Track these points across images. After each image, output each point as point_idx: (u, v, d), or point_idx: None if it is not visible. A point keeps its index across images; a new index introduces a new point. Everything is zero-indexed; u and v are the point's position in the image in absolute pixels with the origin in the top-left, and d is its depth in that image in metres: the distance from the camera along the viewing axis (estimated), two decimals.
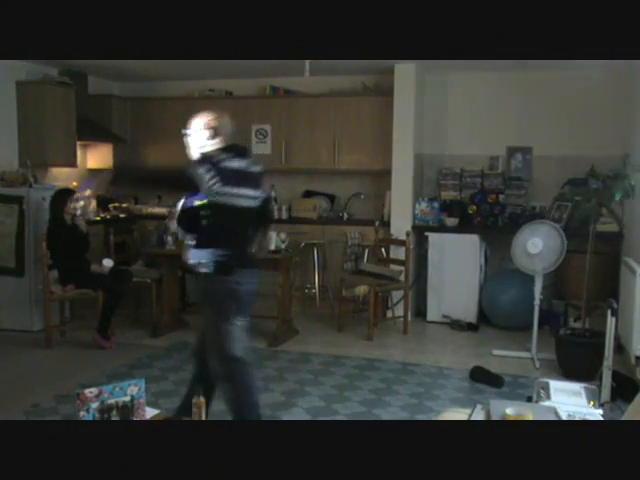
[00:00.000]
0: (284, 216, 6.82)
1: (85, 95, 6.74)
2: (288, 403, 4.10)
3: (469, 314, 6.07)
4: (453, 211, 6.33)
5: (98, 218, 6.54)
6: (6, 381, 4.45)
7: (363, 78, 6.72)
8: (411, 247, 5.85)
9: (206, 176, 3.00)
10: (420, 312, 6.41)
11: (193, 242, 3.13)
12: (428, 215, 6.32)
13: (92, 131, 6.84)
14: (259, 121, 6.93)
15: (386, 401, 4.14)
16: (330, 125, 6.70)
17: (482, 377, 4.51)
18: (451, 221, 6.25)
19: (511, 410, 2.33)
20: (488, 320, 6.09)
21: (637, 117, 5.43)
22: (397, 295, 6.17)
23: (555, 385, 2.75)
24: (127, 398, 2.31)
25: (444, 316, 6.14)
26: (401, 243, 5.96)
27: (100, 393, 2.24)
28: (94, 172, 7.19)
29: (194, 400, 2.37)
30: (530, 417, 2.29)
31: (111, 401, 2.26)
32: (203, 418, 2.37)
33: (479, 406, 2.59)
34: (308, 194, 7.04)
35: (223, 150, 3.16)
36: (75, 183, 6.49)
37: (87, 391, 2.22)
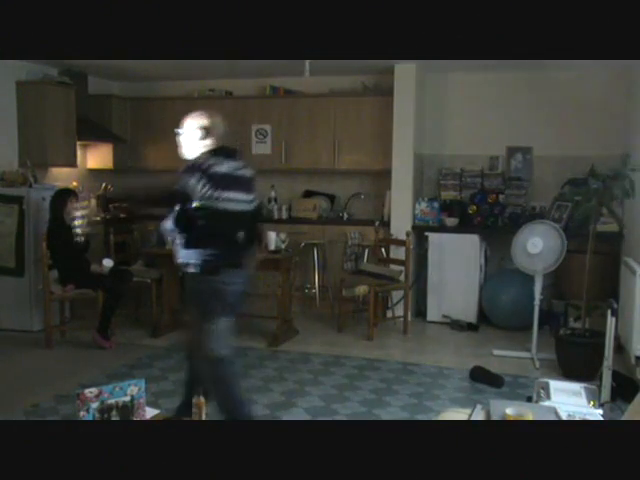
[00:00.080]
0: (284, 216, 6.82)
1: (85, 95, 6.74)
2: (288, 403, 4.10)
3: (469, 314, 6.07)
4: (453, 211, 6.33)
5: (98, 218, 6.54)
6: (6, 381, 4.45)
7: (363, 78, 6.72)
8: (411, 247, 5.85)
9: (198, 186, 2.99)
10: (420, 312, 6.41)
11: (182, 242, 3.14)
12: (428, 215, 6.32)
13: (92, 131, 6.84)
14: (259, 121, 6.93)
15: (386, 401, 4.14)
16: (330, 125, 6.70)
17: (482, 377, 4.51)
18: (451, 221, 6.25)
19: (511, 410, 2.33)
20: (488, 320, 6.09)
21: (637, 117, 5.43)
22: (397, 295, 6.17)
23: (555, 385, 2.75)
24: (127, 398, 2.31)
25: (444, 316, 6.14)
26: (401, 243, 5.96)
27: (100, 393, 2.24)
28: (94, 172, 7.20)
29: (194, 400, 2.37)
30: (530, 417, 2.29)
31: (111, 401, 2.27)
32: (203, 418, 2.37)
33: (479, 406, 2.59)
34: (308, 194, 7.03)
35: (213, 152, 3.15)
36: (75, 183, 6.49)
37: (87, 391, 2.23)
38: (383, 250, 6.28)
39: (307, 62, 4.95)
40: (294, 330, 5.78)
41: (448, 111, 6.59)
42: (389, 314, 6.26)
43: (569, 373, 4.55)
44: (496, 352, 5.16)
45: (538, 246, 4.96)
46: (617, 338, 4.43)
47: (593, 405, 2.60)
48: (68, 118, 6.26)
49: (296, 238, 6.21)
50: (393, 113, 6.25)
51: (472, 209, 6.26)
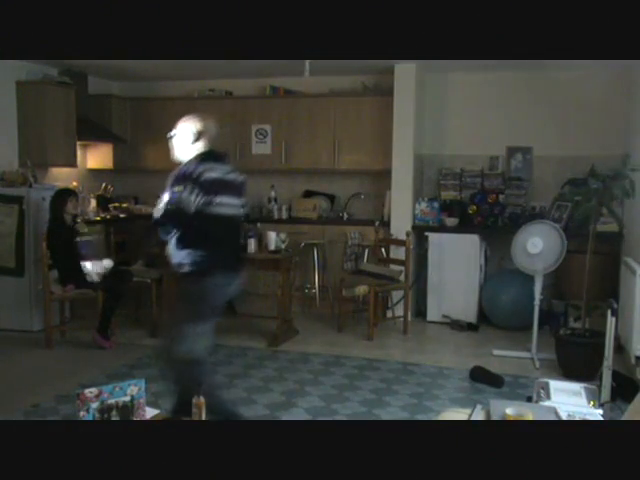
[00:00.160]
0: (284, 216, 6.82)
1: (85, 95, 6.74)
2: (288, 403, 4.10)
3: (469, 314, 6.07)
4: (453, 211, 6.33)
5: (98, 218, 6.54)
6: (6, 381, 4.45)
7: (363, 78, 6.72)
8: (411, 247, 5.85)
9: (191, 197, 3.00)
10: (420, 312, 6.41)
11: (176, 243, 3.15)
12: (428, 215, 6.32)
13: (92, 131, 6.84)
14: (259, 121, 6.93)
15: (386, 401, 4.14)
16: (330, 125, 6.70)
17: (482, 377, 4.51)
18: (451, 221, 6.25)
19: (511, 410, 2.33)
20: (488, 320, 6.09)
21: (637, 117, 5.43)
22: (397, 295, 6.17)
23: (555, 385, 2.75)
24: (127, 398, 2.31)
25: (444, 316, 6.14)
26: (401, 243, 5.96)
27: (100, 393, 2.24)
28: (94, 172, 7.20)
29: (194, 400, 2.37)
30: (530, 417, 2.29)
31: (111, 401, 2.27)
32: (203, 418, 2.37)
33: (479, 406, 2.59)
34: (308, 194, 7.03)
35: (203, 156, 3.16)
36: (75, 183, 6.49)
37: (87, 391, 2.23)
38: (383, 250, 6.28)
39: (307, 62, 4.95)
40: (294, 330, 5.78)
41: (448, 111, 6.58)
42: (389, 314, 6.26)
43: (569, 373, 4.55)
44: (496, 352, 5.16)
45: (538, 246, 4.96)
46: (617, 338, 4.43)
47: (593, 405, 2.60)
48: (68, 118, 6.26)
49: (296, 238, 6.21)
50: (393, 113, 6.25)
51: (472, 209, 6.26)
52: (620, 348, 4.76)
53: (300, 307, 6.48)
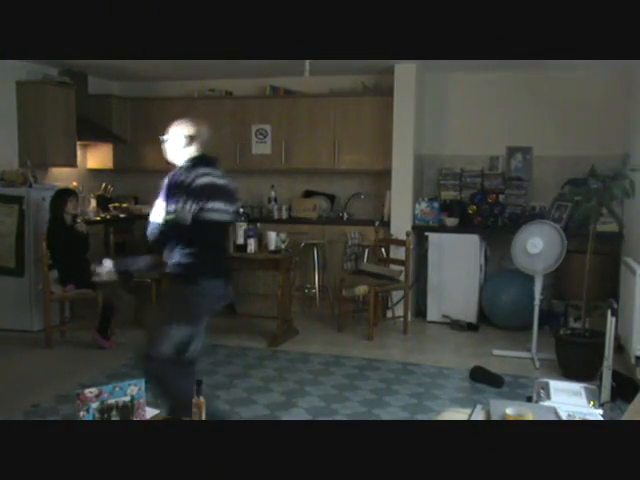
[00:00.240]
0: (284, 216, 6.82)
1: (85, 95, 6.74)
2: (288, 403, 4.10)
3: (469, 314, 6.07)
4: (453, 211, 6.33)
5: (98, 218, 6.54)
6: (6, 381, 4.45)
7: (363, 78, 6.72)
8: (411, 247, 5.85)
9: (187, 206, 3.01)
10: (420, 312, 6.41)
11: (167, 246, 3.16)
12: (428, 215, 6.32)
13: (92, 131, 6.84)
14: (259, 121, 6.93)
15: (386, 401, 4.14)
16: (330, 125, 6.70)
17: (482, 377, 4.51)
18: (451, 221, 6.25)
19: (511, 410, 2.33)
20: (488, 320, 6.09)
21: (637, 117, 5.43)
22: (397, 295, 6.17)
23: (555, 385, 2.75)
24: (127, 398, 2.31)
25: (444, 316, 6.14)
26: (401, 243, 5.96)
27: (100, 393, 2.24)
28: (94, 172, 7.20)
29: (194, 400, 2.37)
30: (530, 417, 2.29)
31: (111, 401, 2.26)
32: (203, 418, 2.37)
33: (479, 406, 2.59)
34: (308, 194, 7.04)
35: (195, 161, 3.16)
36: (75, 183, 6.49)
37: (87, 391, 2.22)
38: (383, 250, 6.28)
39: (307, 62, 4.95)
40: (294, 330, 5.78)
41: (448, 111, 6.58)
42: (389, 314, 6.26)
43: (569, 373, 4.55)
44: (496, 352, 5.16)
45: (538, 246, 4.96)
46: (617, 338, 4.43)
47: (593, 405, 2.60)
48: (68, 118, 6.26)
49: (296, 238, 6.21)
50: (393, 113, 6.25)
51: (472, 209, 6.26)
52: (620, 348, 4.76)
53: (300, 307, 6.48)
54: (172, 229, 3.04)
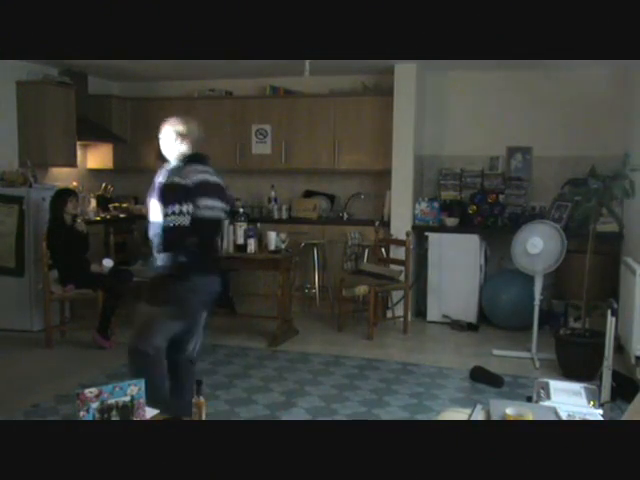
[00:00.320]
0: (284, 216, 6.82)
1: (85, 95, 6.74)
2: (288, 403, 4.10)
3: (469, 314, 6.07)
4: (453, 211, 6.33)
5: (98, 218, 6.54)
6: (6, 381, 4.45)
7: (363, 78, 6.72)
8: (411, 247, 5.85)
9: (183, 207, 3.01)
10: (420, 312, 6.41)
11: (159, 245, 3.16)
12: (428, 215, 6.32)
13: (92, 131, 6.84)
14: (259, 121, 6.93)
15: (386, 401, 4.14)
16: (330, 125, 6.70)
17: (482, 377, 4.51)
18: (451, 221, 6.25)
19: (511, 410, 2.33)
20: (488, 320, 6.09)
21: (637, 117, 5.43)
22: (397, 295, 6.17)
23: (555, 385, 2.75)
24: (127, 398, 2.31)
25: (444, 316, 6.14)
26: (401, 243, 5.96)
27: (100, 393, 2.24)
28: (94, 172, 7.20)
29: (194, 400, 2.37)
30: (530, 417, 2.29)
31: (111, 401, 2.26)
32: (203, 418, 2.37)
33: (479, 406, 2.59)
34: (308, 194, 7.04)
35: (187, 159, 3.16)
36: (75, 183, 6.49)
37: (87, 391, 2.22)
38: (383, 250, 6.28)
39: (307, 62, 4.94)
40: (294, 330, 5.78)
41: (448, 111, 6.58)
42: (389, 314, 6.26)
43: (569, 373, 4.55)
44: (496, 352, 5.16)
45: (538, 246, 4.96)
46: (617, 338, 4.43)
47: (593, 405, 2.60)
48: (68, 118, 6.26)
49: (296, 238, 6.21)
50: (393, 113, 6.25)
51: (472, 209, 6.26)
52: (620, 348, 4.76)
53: (300, 307, 6.48)
54: (174, 232, 3.04)
